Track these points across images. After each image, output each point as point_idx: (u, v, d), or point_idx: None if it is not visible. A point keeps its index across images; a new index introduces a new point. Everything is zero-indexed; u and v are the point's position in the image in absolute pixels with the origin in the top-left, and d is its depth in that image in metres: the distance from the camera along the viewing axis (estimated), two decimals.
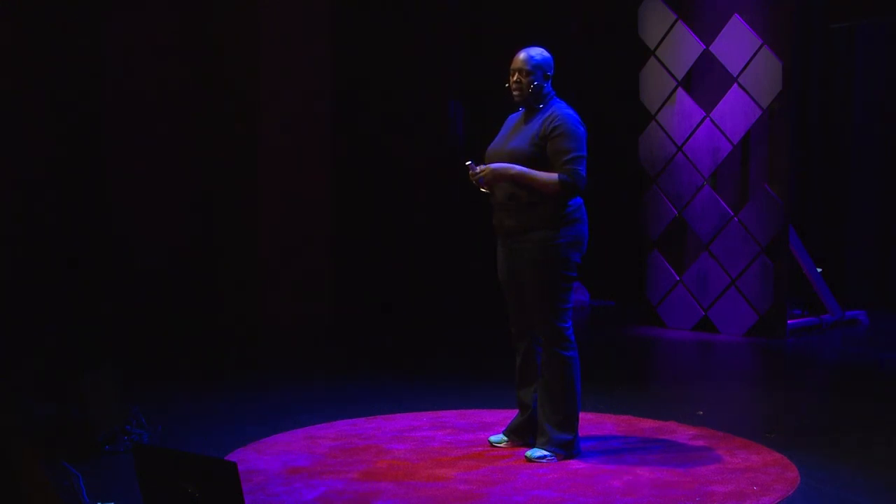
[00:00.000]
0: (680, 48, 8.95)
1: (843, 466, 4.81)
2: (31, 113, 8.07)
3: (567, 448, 4.84)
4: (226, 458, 4.69)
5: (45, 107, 8.14)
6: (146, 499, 3.48)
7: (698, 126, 8.84)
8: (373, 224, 9.68)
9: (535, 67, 4.84)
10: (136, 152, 8.60)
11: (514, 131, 4.90)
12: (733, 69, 8.61)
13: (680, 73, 8.96)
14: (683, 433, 5.41)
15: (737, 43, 8.59)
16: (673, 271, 9.11)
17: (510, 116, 5.05)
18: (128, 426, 5.12)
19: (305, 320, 8.87)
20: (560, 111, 4.82)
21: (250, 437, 5.26)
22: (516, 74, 4.86)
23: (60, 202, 8.18)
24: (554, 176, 4.68)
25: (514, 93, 4.87)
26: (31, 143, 8.09)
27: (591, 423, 5.48)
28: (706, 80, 8.94)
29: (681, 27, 8.92)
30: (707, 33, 8.80)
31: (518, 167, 4.72)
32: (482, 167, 4.78)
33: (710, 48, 8.76)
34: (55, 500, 3.53)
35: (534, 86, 4.82)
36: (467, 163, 4.84)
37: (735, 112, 8.63)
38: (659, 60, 9.06)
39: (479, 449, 5.07)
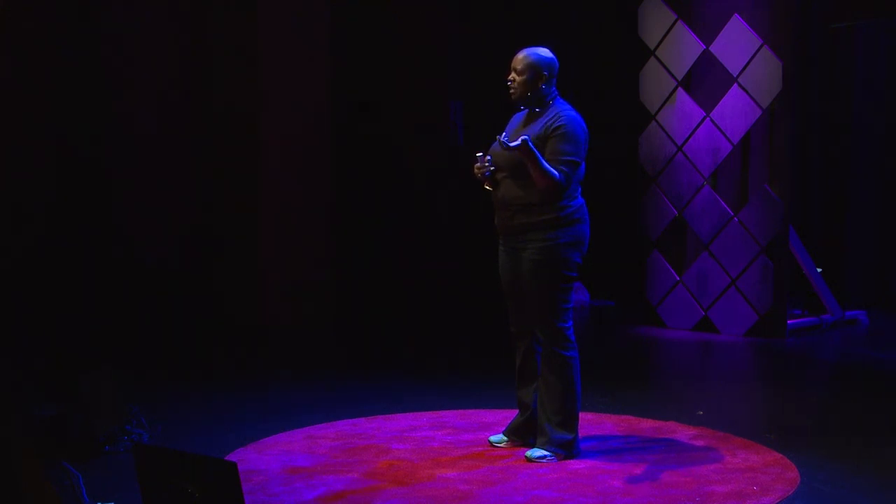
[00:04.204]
0: (680, 48, 8.95)
1: (842, 466, 4.82)
2: (31, 114, 8.07)
3: (567, 448, 4.84)
4: (226, 458, 4.69)
5: (45, 107, 8.14)
6: (146, 499, 3.48)
7: (698, 126, 8.84)
8: (373, 224, 9.68)
9: (527, 67, 4.84)
10: (136, 153, 8.60)
11: (517, 132, 4.90)
12: (733, 69, 8.61)
13: (680, 73, 8.96)
14: (683, 433, 5.41)
15: (737, 43, 8.59)
16: (673, 271, 9.11)
17: (514, 116, 5.04)
18: (128, 426, 5.13)
19: (305, 320, 8.87)
20: (564, 112, 4.81)
21: (250, 437, 5.26)
22: (511, 72, 4.88)
23: (60, 204, 8.18)
24: (555, 172, 4.68)
25: (510, 91, 4.89)
26: (30, 144, 8.09)
27: (591, 423, 5.49)
28: (706, 80, 8.94)
29: (681, 27, 8.92)
30: (707, 33, 8.79)
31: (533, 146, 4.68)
32: (515, 143, 4.69)
33: (710, 48, 8.76)
34: (55, 500, 3.53)
35: (527, 85, 4.81)
36: (478, 154, 4.83)
37: (735, 112, 8.63)
38: (659, 60, 9.06)
39: (479, 449, 5.07)
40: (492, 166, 4.81)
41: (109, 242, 8.42)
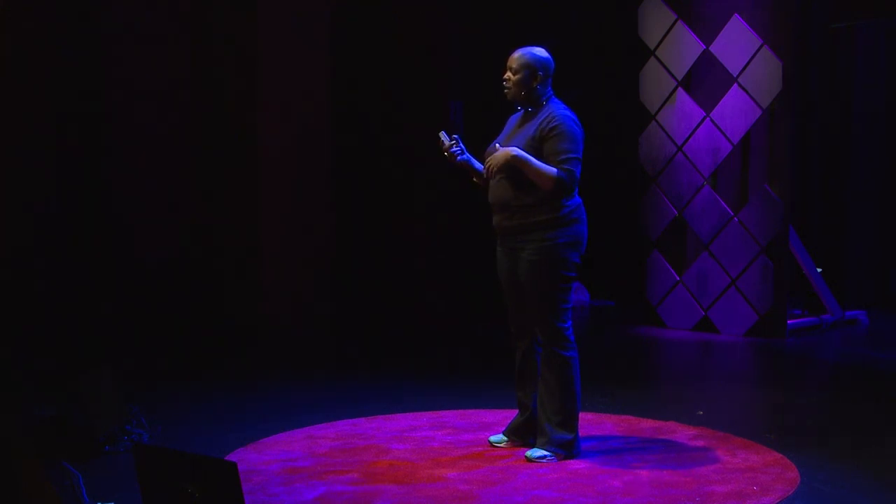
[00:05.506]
0: (680, 48, 8.95)
1: (842, 466, 4.81)
2: (31, 114, 8.07)
3: (567, 448, 4.84)
4: (226, 458, 4.69)
5: (46, 106, 8.14)
6: (146, 499, 3.48)
7: (698, 126, 8.84)
8: (373, 224, 9.68)
9: (522, 66, 4.85)
10: (136, 153, 8.60)
11: (513, 134, 4.91)
12: (733, 69, 8.61)
13: (680, 73, 8.96)
14: (683, 433, 5.41)
15: (737, 43, 8.59)
16: (673, 271, 9.11)
17: (511, 117, 5.06)
18: (128, 426, 5.13)
19: (305, 320, 8.87)
20: (557, 111, 4.82)
21: (250, 437, 5.26)
22: (507, 71, 4.89)
23: (60, 204, 8.18)
24: (553, 170, 4.69)
25: (504, 90, 4.90)
26: (30, 143, 8.09)
27: (591, 423, 5.49)
28: (706, 80, 8.94)
29: (681, 27, 8.92)
30: (707, 33, 8.80)
31: (521, 152, 4.71)
32: (493, 155, 4.77)
33: (710, 48, 8.76)
34: (55, 500, 3.53)
35: (522, 84, 4.83)
36: (439, 133, 4.88)
37: (735, 112, 8.63)
38: (659, 60, 9.06)
39: (479, 449, 5.07)
40: (456, 138, 4.85)
41: (109, 242, 8.42)
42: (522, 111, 4.95)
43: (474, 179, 5.02)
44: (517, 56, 4.88)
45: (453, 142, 4.90)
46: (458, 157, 4.91)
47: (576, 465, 4.78)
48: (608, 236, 9.22)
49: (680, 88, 8.97)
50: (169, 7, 8.77)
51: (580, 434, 4.94)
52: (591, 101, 9.53)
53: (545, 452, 4.82)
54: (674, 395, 6.65)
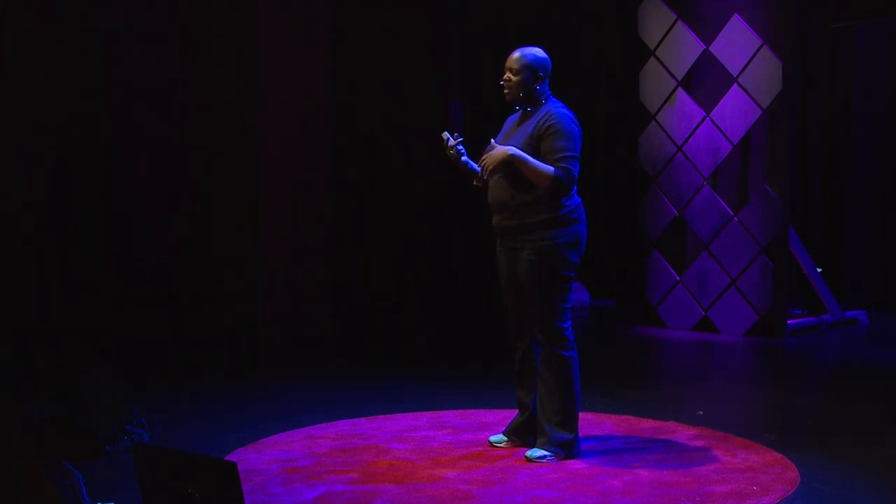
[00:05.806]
0: (680, 48, 8.95)
1: (842, 466, 4.81)
2: (31, 114, 8.07)
3: (567, 448, 4.84)
4: (226, 458, 4.69)
5: (46, 106, 8.13)
6: (146, 499, 3.48)
7: (698, 126, 8.84)
8: (373, 224, 9.68)
9: (523, 67, 4.85)
10: (136, 153, 8.60)
11: (511, 133, 4.92)
12: (733, 69, 8.61)
13: (680, 73, 8.96)
14: (683, 433, 5.41)
15: (737, 43, 8.59)
16: (673, 271, 9.11)
17: (509, 118, 5.07)
18: (128, 426, 5.12)
19: (305, 320, 8.87)
20: (555, 110, 4.82)
21: (250, 437, 5.26)
22: (506, 73, 4.89)
23: (61, 204, 8.18)
24: (550, 168, 4.69)
25: (504, 91, 4.90)
26: (30, 143, 8.09)
27: (591, 423, 5.49)
28: (706, 80, 8.94)
29: (681, 27, 8.92)
30: (707, 33, 8.80)
31: (518, 151, 4.73)
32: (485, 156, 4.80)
33: (710, 48, 8.76)
34: (55, 500, 3.53)
35: (522, 85, 4.83)
36: (442, 134, 4.89)
37: (735, 112, 8.63)
38: (659, 60, 9.06)
39: (479, 449, 5.07)
40: (460, 139, 4.85)
41: (110, 242, 8.42)
42: (521, 111, 4.95)
43: (474, 182, 5.03)
44: (517, 57, 4.88)
45: (457, 141, 4.90)
46: (461, 158, 4.93)
47: (576, 465, 4.78)
48: (608, 236, 9.24)
49: (680, 88, 8.97)
50: (169, 7, 8.77)
51: (580, 434, 4.94)
52: (591, 101, 9.55)
53: (545, 452, 4.82)
54: (674, 395, 6.65)
